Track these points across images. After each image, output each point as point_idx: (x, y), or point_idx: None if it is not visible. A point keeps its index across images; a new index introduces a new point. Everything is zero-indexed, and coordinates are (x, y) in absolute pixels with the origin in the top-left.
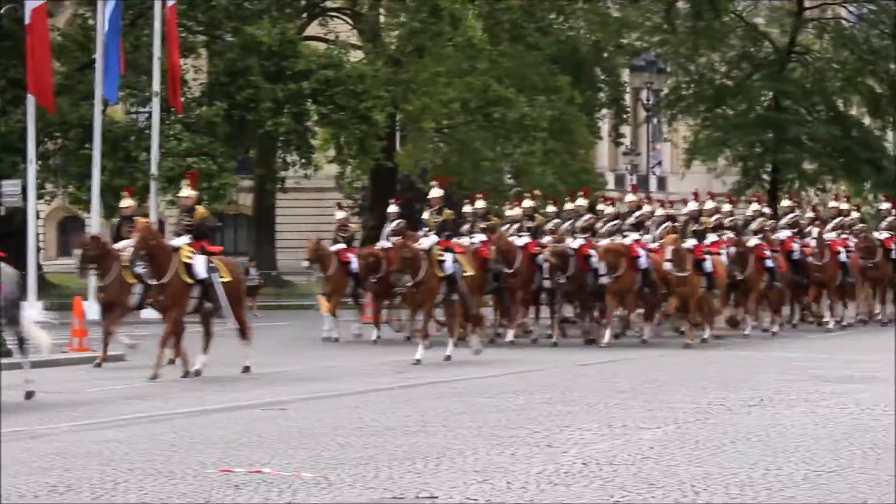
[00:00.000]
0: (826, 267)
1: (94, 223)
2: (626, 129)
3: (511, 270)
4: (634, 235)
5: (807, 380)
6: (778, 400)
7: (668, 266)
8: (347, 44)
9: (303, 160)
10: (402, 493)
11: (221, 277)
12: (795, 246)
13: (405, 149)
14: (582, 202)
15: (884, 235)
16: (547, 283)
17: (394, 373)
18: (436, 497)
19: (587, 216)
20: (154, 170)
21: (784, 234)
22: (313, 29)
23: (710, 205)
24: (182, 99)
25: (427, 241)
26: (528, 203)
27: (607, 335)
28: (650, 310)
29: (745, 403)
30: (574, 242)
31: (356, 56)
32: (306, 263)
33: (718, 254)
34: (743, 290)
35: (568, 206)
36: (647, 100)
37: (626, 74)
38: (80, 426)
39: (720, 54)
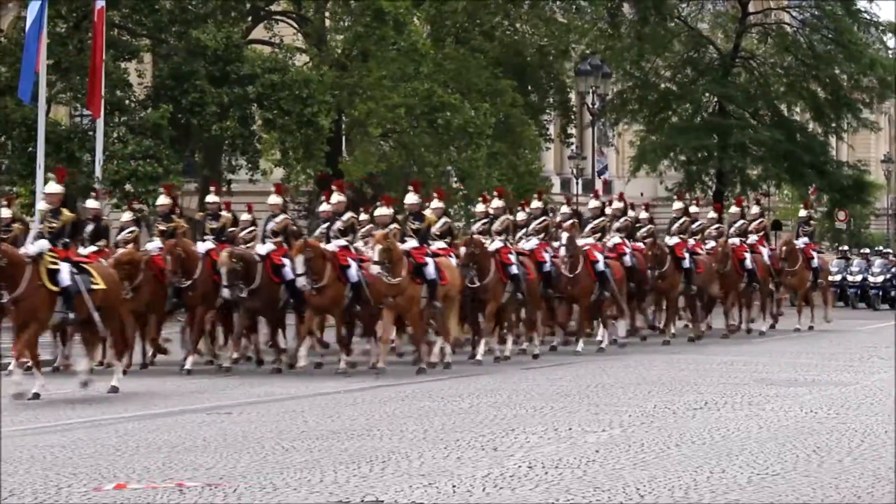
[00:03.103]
0: (578, 279)
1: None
2: (572, 132)
3: (188, 283)
4: (341, 241)
5: (751, 383)
6: (722, 403)
7: (375, 269)
8: (293, 47)
9: (249, 164)
10: (348, 496)
11: None
12: (546, 255)
13: (351, 155)
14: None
15: (674, 241)
16: (225, 293)
17: (338, 377)
18: (381, 501)
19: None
20: (98, 172)
21: (532, 242)
22: (258, 32)
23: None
24: (128, 102)
25: (35, 246)
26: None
27: (342, 362)
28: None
29: (690, 407)
30: (263, 248)
31: (301, 60)
32: None
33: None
34: (480, 302)
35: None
36: (593, 104)
37: (572, 77)
38: (22, 431)
39: (665, 59)
